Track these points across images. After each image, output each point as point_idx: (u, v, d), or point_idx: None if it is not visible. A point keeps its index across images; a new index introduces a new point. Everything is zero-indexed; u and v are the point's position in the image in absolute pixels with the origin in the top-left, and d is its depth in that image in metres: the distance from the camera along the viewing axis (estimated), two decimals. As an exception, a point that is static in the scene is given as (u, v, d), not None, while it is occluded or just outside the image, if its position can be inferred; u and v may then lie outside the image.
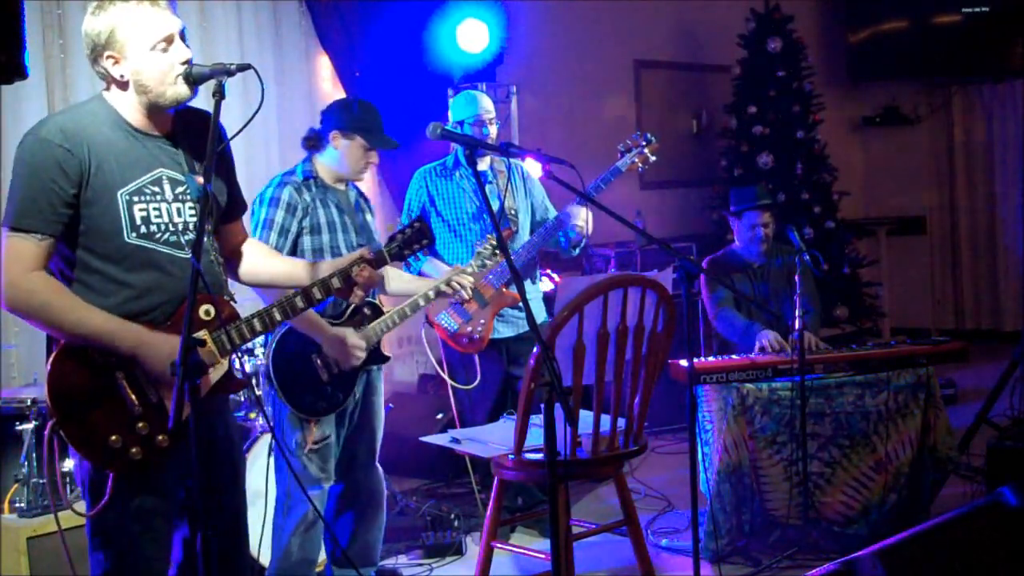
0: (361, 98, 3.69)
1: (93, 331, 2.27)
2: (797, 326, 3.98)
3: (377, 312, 3.52)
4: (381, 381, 3.75)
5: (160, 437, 2.31)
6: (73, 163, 2.28)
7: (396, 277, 3.71)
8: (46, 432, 2.32)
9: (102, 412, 2.27)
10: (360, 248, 3.52)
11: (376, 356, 3.57)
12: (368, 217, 3.74)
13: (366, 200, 3.80)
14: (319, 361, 3.39)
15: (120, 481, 2.29)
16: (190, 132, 2.48)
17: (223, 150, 2.55)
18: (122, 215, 2.33)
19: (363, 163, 3.60)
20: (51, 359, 2.27)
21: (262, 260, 2.75)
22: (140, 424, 2.29)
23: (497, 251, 3.71)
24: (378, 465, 3.74)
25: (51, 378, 2.26)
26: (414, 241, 2.81)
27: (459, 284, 3.65)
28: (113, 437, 2.26)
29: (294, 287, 2.60)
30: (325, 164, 3.60)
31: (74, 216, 2.30)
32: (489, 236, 3.80)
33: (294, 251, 3.49)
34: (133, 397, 2.29)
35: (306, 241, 3.51)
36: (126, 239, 2.33)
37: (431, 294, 3.58)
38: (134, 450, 2.28)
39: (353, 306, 3.47)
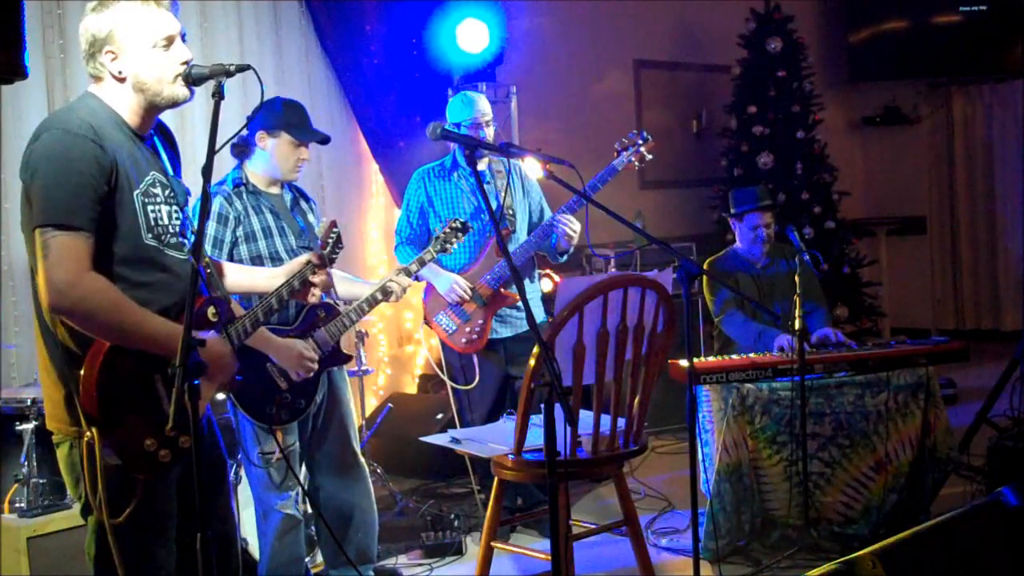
0: (285, 97, 3.67)
1: (152, 334, 2.25)
2: (797, 326, 3.97)
3: (332, 313, 3.49)
4: (345, 379, 3.72)
5: (183, 439, 2.30)
6: (106, 160, 2.26)
7: (340, 280, 3.64)
8: (85, 440, 2.24)
9: (139, 416, 2.26)
10: (307, 251, 3.56)
11: (336, 356, 3.53)
12: (310, 218, 3.69)
13: (307, 199, 3.76)
14: (275, 370, 3.33)
15: (144, 487, 2.29)
16: (160, 139, 2.52)
17: (211, 156, 2.57)
18: (139, 216, 2.32)
19: (294, 160, 3.57)
20: (97, 365, 2.21)
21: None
22: (168, 427, 2.29)
23: (459, 233, 3.70)
24: (362, 462, 3.72)
25: (100, 382, 2.20)
26: (337, 246, 3.22)
27: (396, 284, 3.54)
28: (148, 441, 2.25)
29: (257, 294, 2.81)
30: (256, 169, 3.57)
31: (102, 214, 2.26)
32: (450, 220, 3.77)
33: (231, 261, 3.43)
34: (168, 400, 2.28)
35: (242, 250, 3.48)
36: (144, 240, 2.33)
37: (379, 295, 3.50)
38: (163, 452, 2.28)
39: (306, 309, 3.43)
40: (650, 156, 4.31)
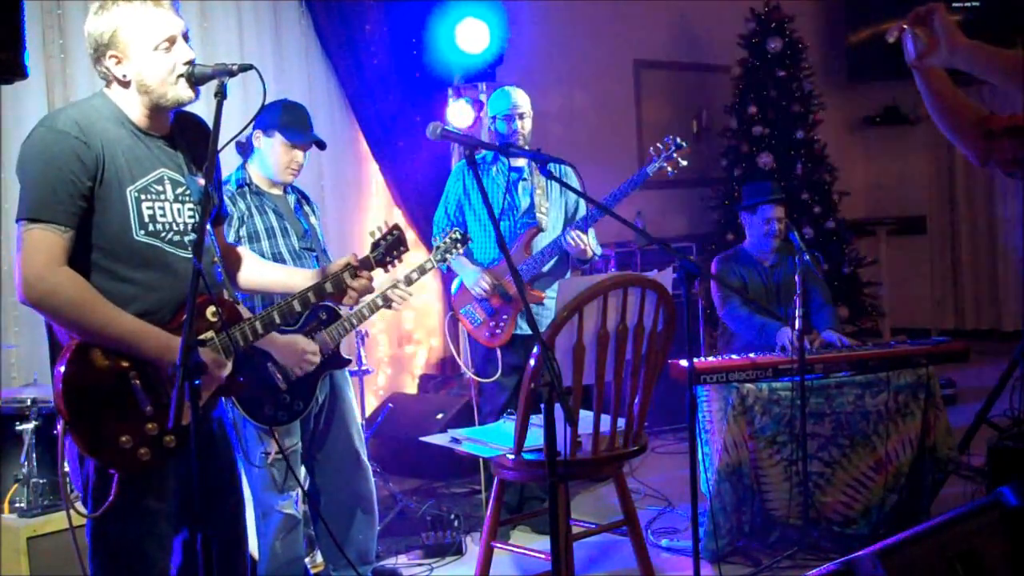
0: (289, 100, 3.66)
1: (119, 333, 2.26)
2: (798, 326, 3.98)
3: (333, 316, 3.47)
4: (347, 380, 3.72)
5: (168, 438, 2.30)
6: (90, 156, 2.27)
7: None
8: (57, 432, 2.29)
9: (114, 412, 2.26)
10: (309, 252, 3.53)
11: (336, 360, 3.53)
12: (312, 220, 3.69)
13: (309, 202, 3.76)
14: (276, 370, 3.33)
15: (125, 483, 2.28)
16: (186, 136, 2.50)
17: (213, 155, 2.57)
18: (131, 212, 2.33)
19: (287, 161, 3.56)
20: (67, 358, 2.24)
21: (257, 267, 2.79)
22: (150, 425, 2.29)
23: (459, 244, 3.68)
24: (366, 464, 3.71)
25: (67, 377, 2.23)
26: (394, 248, 2.86)
27: (397, 296, 3.48)
28: (124, 438, 2.26)
29: (289, 293, 2.64)
30: (256, 169, 3.58)
31: (87, 210, 2.28)
32: (451, 230, 3.76)
33: None
34: (146, 397, 2.29)
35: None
36: (135, 236, 2.33)
37: (379, 301, 3.46)
38: (143, 451, 2.28)
39: (307, 312, 3.41)
40: (684, 163, 4.28)
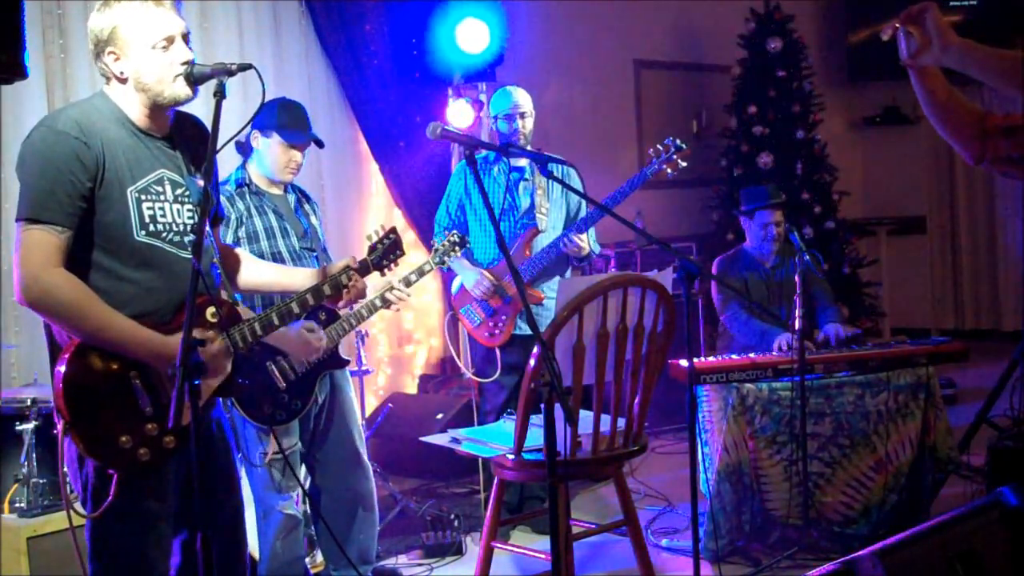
0: (286, 99, 3.65)
1: (115, 337, 2.26)
2: (797, 326, 3.98)
3: (332, 317, 3.47)
4: (348, 380, 3.72)
5: (167, 439, 2.31)
6: (90, 156, 2.28)
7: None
8: (58, 432, 2.29)
9: (114, 412, 2.26)
10: (309, 252, 3.53)
11: (335, 360, 3.53)
12: (312, 219, 3.69)
13: (309, 201, 3.76)
14: (275, 369, 3.33)
15: (124, 484, 2.28)
16: (185, 136, 2.50)
17: (212, 155, 2.57)
18: (132, 212, 2.33)
19: (285, 161, 3.55)
20: (67, 357, 2.24)
21: (256, 267, 2.82)
22: (149, 425, 2.29)
23: (457, 247, 3.69)
24: (366, 463, 3.71)
25: (66, 377, 2.23)
26: (390, 252, 2.92)
27: (395, 297, 3.45)
28: (123, 438, 2.26)
29: (287, 293, 2.67)
30: (255, 168, 3.58)
31: (87, 211, 2.28)
32: (448, 233, 3.77)
33: None
34: (146, 398, 2.29)
35: (245, 251, 3.46)
36: (135, 236, 2.33)
37: (378, 302, 3.44)
38: (142, 451, 2.28)
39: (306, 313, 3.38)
40: (684, 164, 4.28)
